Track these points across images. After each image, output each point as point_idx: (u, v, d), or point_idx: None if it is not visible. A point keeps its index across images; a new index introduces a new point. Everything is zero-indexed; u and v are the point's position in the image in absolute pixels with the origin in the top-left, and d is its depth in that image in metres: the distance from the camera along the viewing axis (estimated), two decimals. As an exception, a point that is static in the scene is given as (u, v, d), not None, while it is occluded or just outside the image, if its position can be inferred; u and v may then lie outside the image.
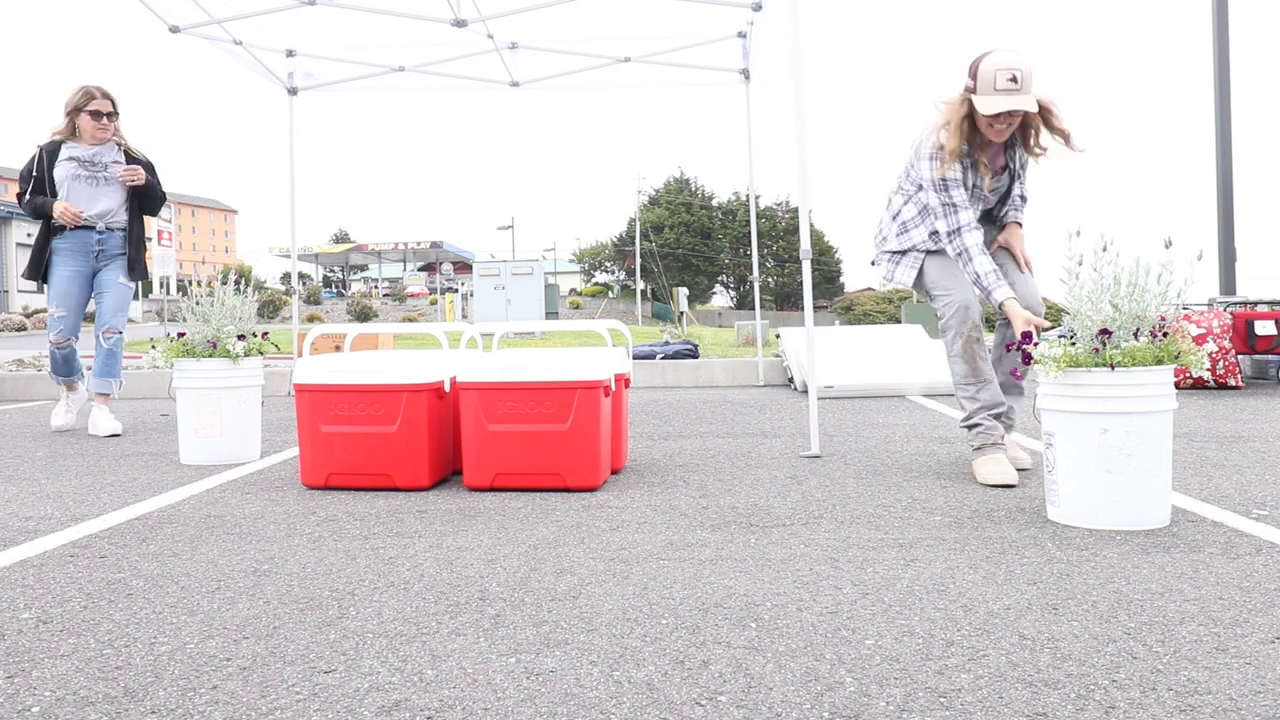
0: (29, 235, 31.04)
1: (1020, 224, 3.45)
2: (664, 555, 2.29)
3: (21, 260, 30.98)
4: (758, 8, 6.20)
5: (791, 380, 7.46)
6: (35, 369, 8.55)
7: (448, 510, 2.86)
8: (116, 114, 4.91)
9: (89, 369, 5.02)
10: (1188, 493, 2.95)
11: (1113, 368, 2.49)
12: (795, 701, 1.43)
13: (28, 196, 4.84)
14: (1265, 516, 2.61)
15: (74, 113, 4.83)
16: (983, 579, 2.05)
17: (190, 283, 4.08)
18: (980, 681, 1.49)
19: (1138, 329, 2.54)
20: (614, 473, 3.46)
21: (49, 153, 4.84)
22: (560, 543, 2.43)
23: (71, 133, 4.86)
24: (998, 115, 3.08)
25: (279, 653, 1.66)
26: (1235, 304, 7.13)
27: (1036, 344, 2.70)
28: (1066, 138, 3.17)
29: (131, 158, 4.93)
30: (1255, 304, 7.14)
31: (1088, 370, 2.52)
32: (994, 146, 3.27)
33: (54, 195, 4.80)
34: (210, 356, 3.81)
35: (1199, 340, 6.48)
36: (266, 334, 4.04)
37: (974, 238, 3.18)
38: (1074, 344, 2.57)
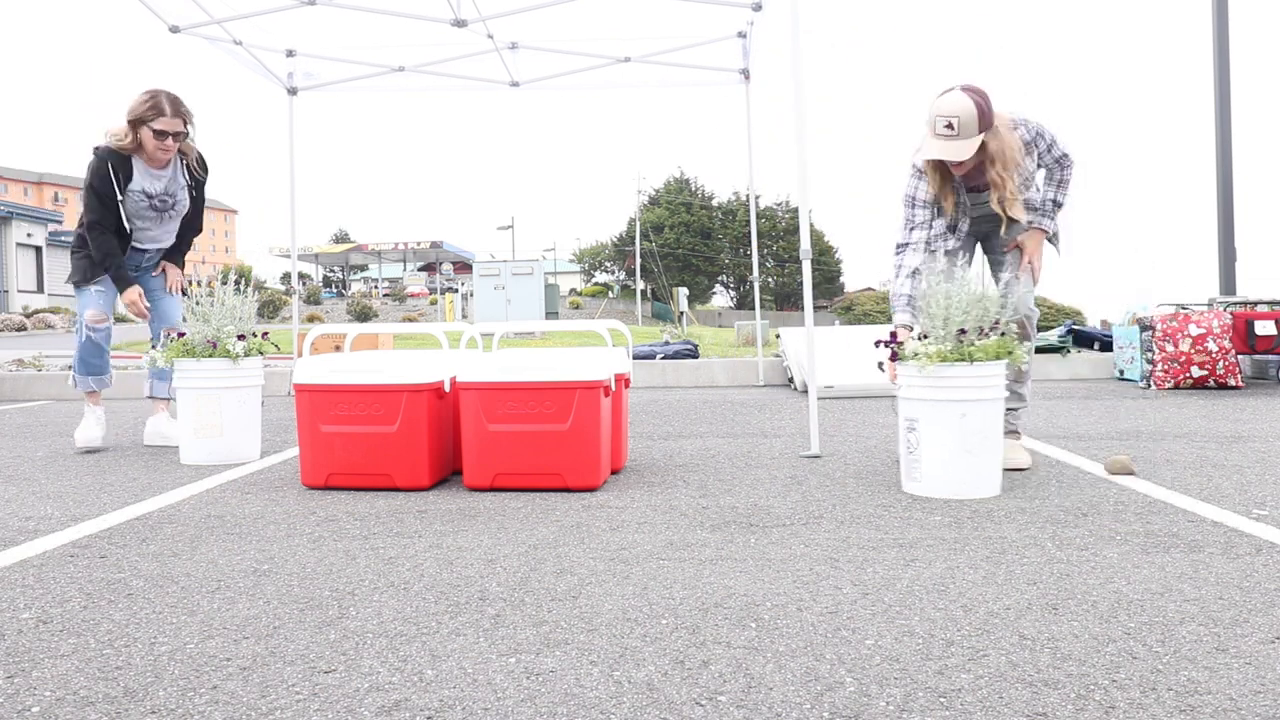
0: (29, 235, 31.03)
1: (1044, 229, 3.46)
2: (664, 555, 2.29)
3: (22, 260, 30.93)
4: (758, 8, 6.20)
5: (791, 380, 7.46)
6: (35, 369, 8.55)
7: (448, 510, 2.86)
8: (186, 133, 4.20)
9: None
10: (1188, 493, 2.95)
11: (972, 362, 2.89)
12: (795, 701, 1.43)
13: (102, 231, 4.12)
14: (1265, 516, 2.61)
15: (137, 124, 4.10)
16: (983, 579, 2.05)
17: (190, 283, 4.05)
18: (980, 681, 1.49)
19: (980, 328, 2.96)
20: (614, 473, 3.46)
21: (124, 175, 4.15)
22: (560, 543, 2.43)
23: (135, 144, 4.15)
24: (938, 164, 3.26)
25: (279, 653, 1.66)
26: (1235, 304, 7.13)
27: (901, 343, 3.06)
28: (1000, 189, 3.25)
29: (194, 178, 4.36)
30: (1255, 304, 7.14)
31: (950, 364, 2.90)
32: (972, 172, 3.32)
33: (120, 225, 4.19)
34: (210, 356, 3.81)
35: (1199, 340, 6.49)
36: (266, 334, 4.03)
37: (912, 260, 3.35)
38: (929, 343, 2.94)
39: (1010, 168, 3.23)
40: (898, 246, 3.39)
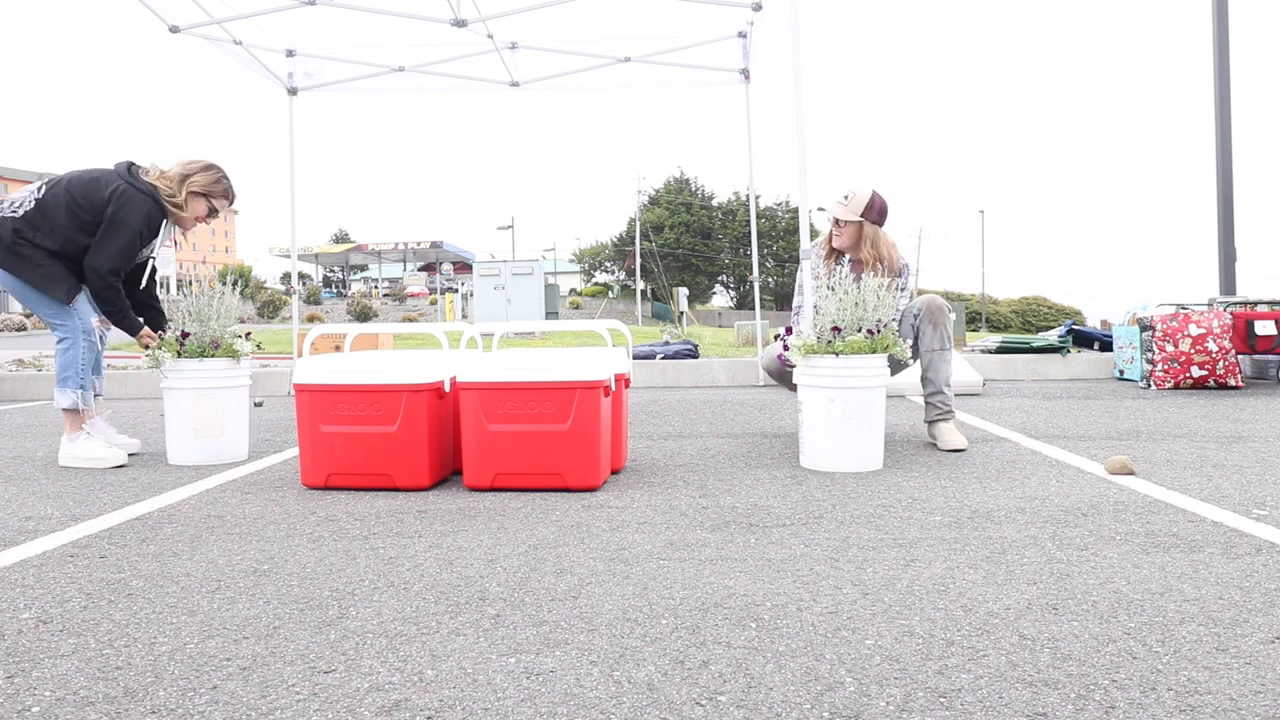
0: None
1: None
2: (664, 555, 2.29)
3: (21, 260, 30.81)
4: (758, 8, 6.20)
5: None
6: (35, 369, 8.55)
7: (448, 510, 2.86)
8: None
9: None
10: (1188, 493, 2.95)
11: (837, 355, 3.37)
12: (795, 701, 1.42)
13: (117, 283, 3.85)
14: (1265, 516, 2.61)
15: (198, 195, 3.96)
16: (983, 579, 2.05)
17: (191, 283, 4.03)
18: (980, 681, 1.49)
19: (860, 327, 3.42)
20: (614, 473, 3.46)
21: (155, 233, 3.93)
22: (560, 543, 2.43)
23: (181, 207, 3.94)
24: (835, 222, 4.12)
25: (279, 653, 1.66)
26: (1235, 304, 7.13)
27: (789, 329, 3.71)
28: (866, 265, 4.08)
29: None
30: (1255, 304, 7.14)
31: (821, 356, 3.40)
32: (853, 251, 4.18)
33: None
34: (213, 356, 3.81)
35: (1199, 340, 6.49)
36: (249, 334, 3.99)
37: (796, 318, 4.31)
38: (818, 338, 3.43)
39: (878, 252, 4.05)
40: (795, 308, 4.36)
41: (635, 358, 8.32)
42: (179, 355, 3.80)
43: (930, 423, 4.10)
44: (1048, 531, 2.47)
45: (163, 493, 3.22)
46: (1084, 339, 8.87)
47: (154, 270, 4.18)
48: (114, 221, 3.78)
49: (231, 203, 4.09)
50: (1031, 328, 43.54)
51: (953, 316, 4.16)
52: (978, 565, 2.16)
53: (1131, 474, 3.25)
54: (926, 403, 4.12)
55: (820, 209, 4.12)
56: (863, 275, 3.86)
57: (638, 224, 51.57)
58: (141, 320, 4.03)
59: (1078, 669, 1.53)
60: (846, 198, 4.05)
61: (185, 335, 3.82)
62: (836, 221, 4.12)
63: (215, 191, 4.01)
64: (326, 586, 2.07)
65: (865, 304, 3.45)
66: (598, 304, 43.62)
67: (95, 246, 3.79)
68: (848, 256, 4.14)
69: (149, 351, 3.90)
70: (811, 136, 4.22)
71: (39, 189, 3.87)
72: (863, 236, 4.10)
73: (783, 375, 4.33)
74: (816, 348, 3.42)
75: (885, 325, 3.44)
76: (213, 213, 4.07)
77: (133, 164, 3.98)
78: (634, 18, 6.99)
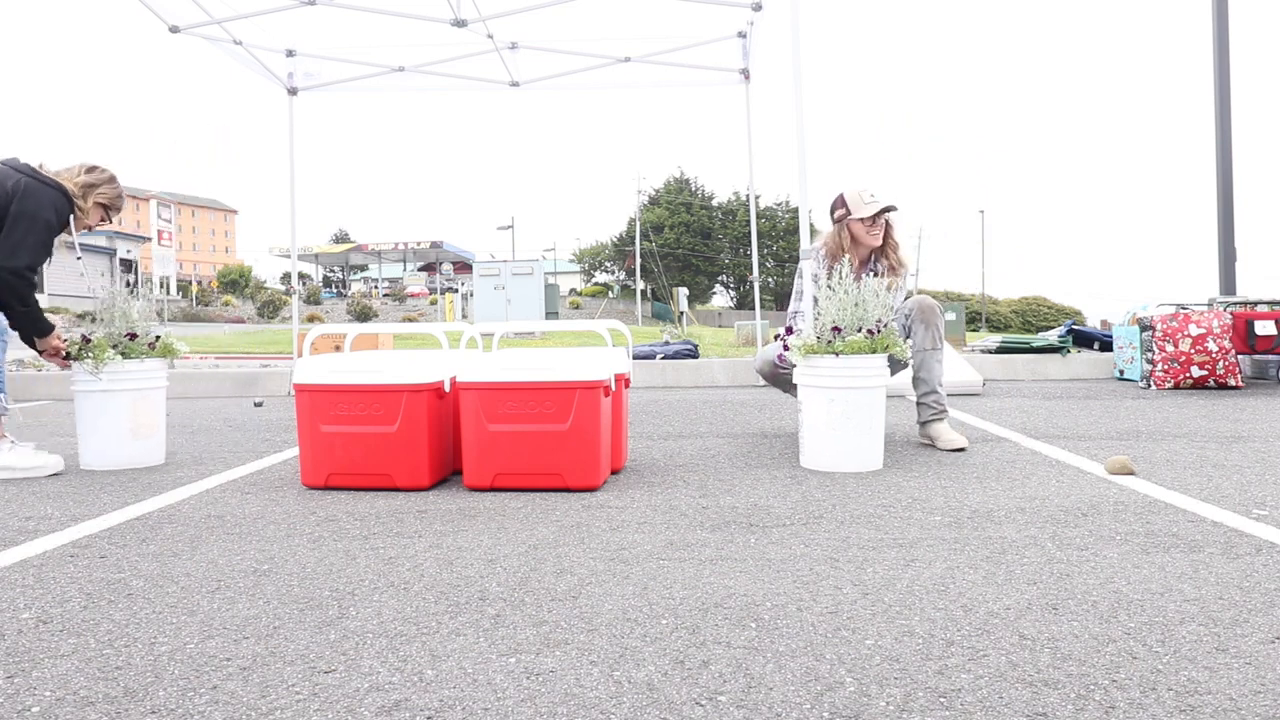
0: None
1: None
2: (664, 555, 2.29)
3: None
4: (758, 8, 6.21)
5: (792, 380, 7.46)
6: (35, 369, 8.56)
7: (448, 510, 2.86)
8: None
9: None
10: (1188, 493, 2.95)
11: (837, 355, 3.38)
12: (795, 701, 1.42)
13: (33, 280, 3.67)
14: (1265, 516, 2.61)
15: (101, 207, 3.93)
16: (983, 579, 2.05)
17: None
18: (980, 681, 1.49)
19: (860, 327, 3.41)
20: (614, 473, 3.46)
21: (63, 227, 3.83)
22: (560, 543, 2.43)
23: (82, 209, 3.88)
24: (873, 219, 4.08)
25: (279, 653, 1.66)
26: (1235, 304, 7.13)
27: (790, 329, 3.73)
28: (892, 257, 4.16)
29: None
30: (1255, 304, 7.14)
31: (821, 356, 3.41)
32: (865, 251, 4.19)
33: None
34: (150, 356, 3.81)
35: (1199, 340, 6.49)
36: (159, 337, 3.90)
37: (796, 320, 4.24)
38: (818, 338, 3.44)
39: (898, 254, 4.15)
40: (790, 314, 4.31)
41: (635, 358, 8.32)
42: (125, 356, 3.73)
43: (925, 423, 4.08)
44: (1048, 531, 2.47)
45: (163, 493, 3.22)
46: (1084, 339, 8.87)
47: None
48: (22, 216, 3.61)
49: (119, 213, 4.15)
50: (1031, 328, 43.57)
51: (950, 316, 4.18)
52: (978, 565, 2.16)
53: (1131, 474, 3.25)
54: (919, 403, 4.10)
55: (891, 208, 4.12)
56: (863, 275, 3.83)
57: (638, 224, 51.57)
58: (53, 323, 3.86)
59: (1078, 669, 1.53)
60: (875, 195, 4.08)
61: (132, 336, 3.77)
62: (875, 219, 4.08)
63: (117, 205, 4.05)
64: (326, 586, 2.07)
65: (865, 304, 3.45)
66: (598, 304, 43.63)
67: (4, 243, 3.58)
68: (847, 256, 4.10)
69: (91, 352, 3.66)
70: (811, 136, 4.21)
71: None
72: (888, 229, 4.16)
73: (776, 378, 4.32)
74: (816, 348, 3.42)
75: (885, 325, 3.42)
76: (104, 221, 4.07)
77: (26, 162, 3.86)
78: (634, 18, 6.99)
